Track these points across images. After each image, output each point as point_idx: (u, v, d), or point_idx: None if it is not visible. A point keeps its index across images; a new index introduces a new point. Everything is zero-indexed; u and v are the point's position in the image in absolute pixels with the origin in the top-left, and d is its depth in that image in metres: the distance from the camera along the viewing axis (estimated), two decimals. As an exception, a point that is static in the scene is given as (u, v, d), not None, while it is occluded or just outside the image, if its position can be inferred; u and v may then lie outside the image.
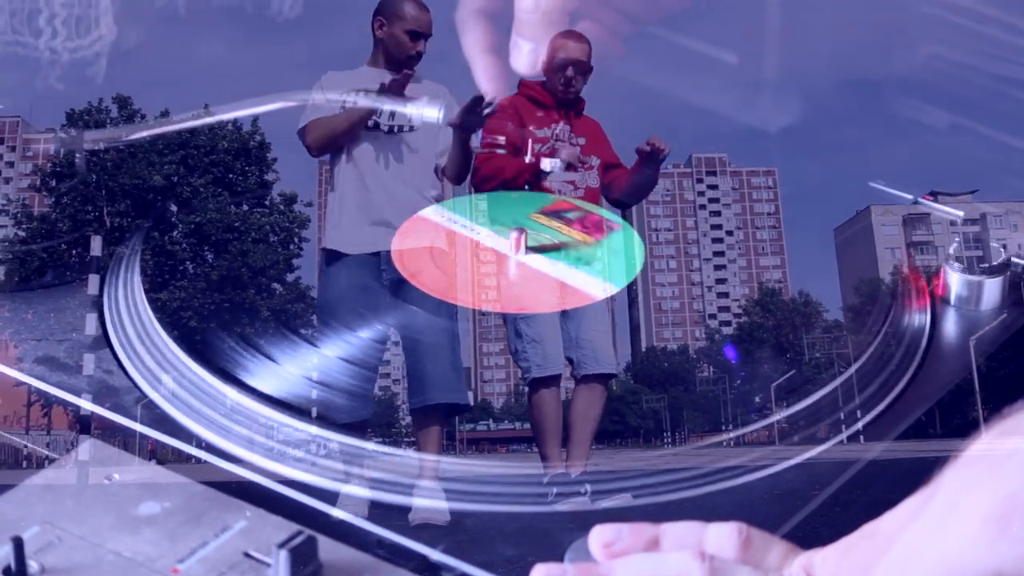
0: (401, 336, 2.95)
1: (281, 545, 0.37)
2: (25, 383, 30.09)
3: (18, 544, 0.36)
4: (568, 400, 3.35)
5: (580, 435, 3.18)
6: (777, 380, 51.85)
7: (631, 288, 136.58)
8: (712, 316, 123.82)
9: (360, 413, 2.84)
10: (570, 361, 3.25)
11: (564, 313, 3.21)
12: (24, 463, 27.19)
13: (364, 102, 2.85)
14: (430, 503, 2.61)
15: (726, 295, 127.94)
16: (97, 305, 6.60)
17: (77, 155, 28.60)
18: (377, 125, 2.93)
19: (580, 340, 3.20)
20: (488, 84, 0.61)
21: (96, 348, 6.14)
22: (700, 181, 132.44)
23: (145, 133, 29.62)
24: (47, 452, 27.03)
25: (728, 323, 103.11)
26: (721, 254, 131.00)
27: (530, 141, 3.15)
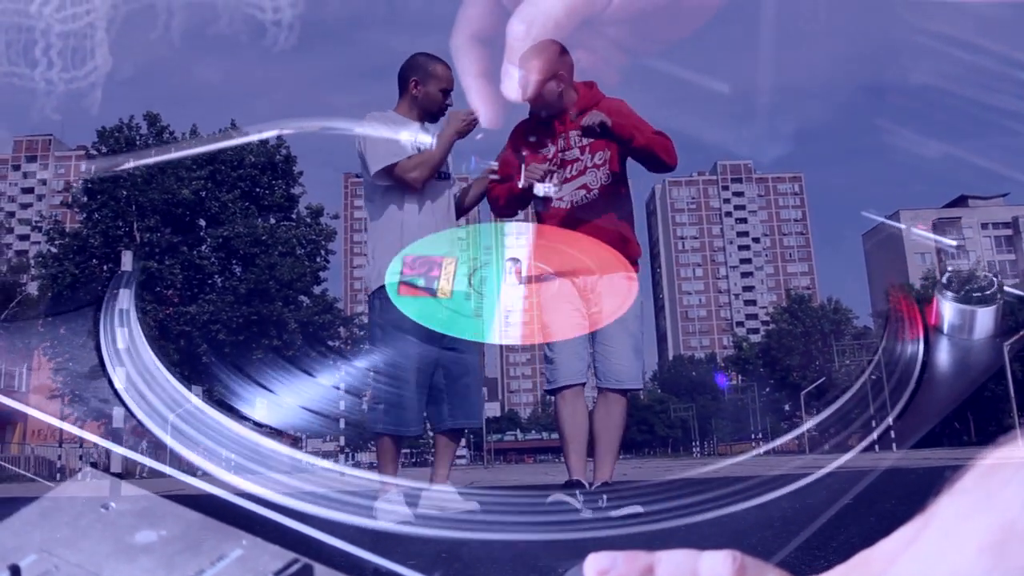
0: (446, 363, 3.27)
1: (277, 573, 0.36)
2: (58, 395, 30.54)
3: (15, 572, 0.36)
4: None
5: (601, 446, 3.20)
6: (806, 388, 51.30)
7: (658, 297, 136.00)
8: (739, 324, 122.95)
9: (420, 428, 3.25)
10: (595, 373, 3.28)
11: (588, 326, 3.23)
12: (58, 475, 27.53)
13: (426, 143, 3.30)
14: (456, 500, 3.12)
15: (753, 303, 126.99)
16: (126, 319, 6.69)
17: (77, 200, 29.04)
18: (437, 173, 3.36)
19: (597, 354, 3.23)
20: (485, 110, 0.61)
21: (125, 362, 6.21)
22: (725, 188, 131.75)
23: (171, 155, 30.03)
24: (80, 465, 27.36)
25: (756, 331, 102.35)
26: (748, 261, 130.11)
27: (522, 167, 3.24)
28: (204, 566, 0.38)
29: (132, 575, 0.38)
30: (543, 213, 3.27)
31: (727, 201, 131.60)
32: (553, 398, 3.28)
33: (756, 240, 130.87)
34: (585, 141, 3.24)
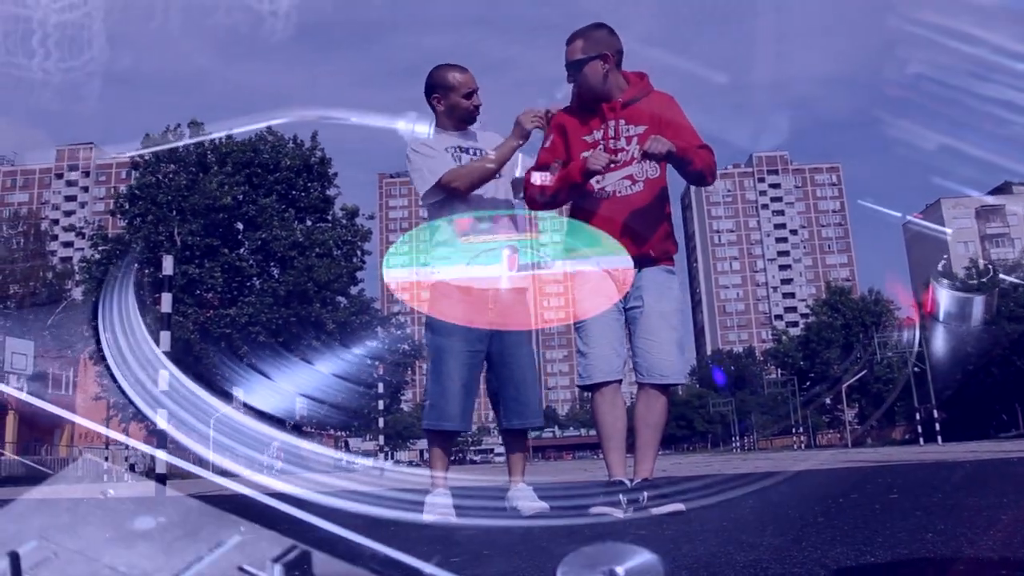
0: (499, 363, 3.29)
1: (275, 560, 0.36)
2: (104, 397, 31.12)
3: (14, 559, 0.36)
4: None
5: (642, 443, 3.16)
6: (848, 381, 50.52)
7: (695, 291, 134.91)
8: (778, 317, 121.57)
9: (463, 424, 3.26)
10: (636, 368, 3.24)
11: (627, 320, 3.20)
12: (104, 477, 28.03)
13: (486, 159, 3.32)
14: (532, 500, 3.16)
15: (792, 295, 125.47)
16: (167, 322, 6.80)
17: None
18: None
19: (636, 348, 3.17)
20: None
21: (168, 364, 6.31)
22: (762, 180, 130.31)
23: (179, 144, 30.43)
24: (126, 466, 27.87)
25: (795, 324, 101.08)
26: (786, 253, 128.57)
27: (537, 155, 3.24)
28: (202, 552, 0.38)
29: (131, 561, 0.37)
30: (584, 201, 3.20)
31: (763, 193, 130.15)
32: (589, 395, 3.25)
33: (794, 232, 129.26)
34: (632, 131, 3.16)
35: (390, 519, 3.01)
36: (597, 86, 3.17)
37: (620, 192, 3.14)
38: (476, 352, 3.22)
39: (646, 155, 3.05)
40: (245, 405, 22.42)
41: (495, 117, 3.57)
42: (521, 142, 3.27)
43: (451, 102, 3.38)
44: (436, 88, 3.40)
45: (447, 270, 3.26)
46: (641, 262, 3.14)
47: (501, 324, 3.24)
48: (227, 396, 22.72)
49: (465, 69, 3.41)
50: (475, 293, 3.23)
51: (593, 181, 3.15)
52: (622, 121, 3.18)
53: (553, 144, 3.27)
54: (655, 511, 2.85)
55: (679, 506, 2.87)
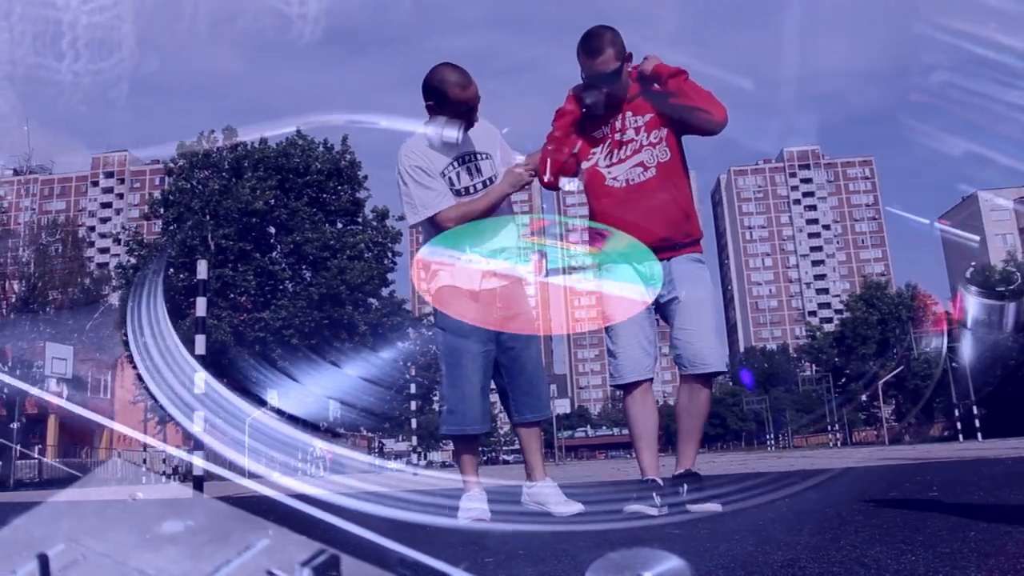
0: (509, 357, 3.26)
1: (304, 563, 0.36)
2: (141, 401, 31.57)
3: (43, 561, 0.36)
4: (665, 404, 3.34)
5: (683, 431, 3.14)
6: (884, 377, 49.83)
7: (726, 288, 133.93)
8: (812, 313, 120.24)
9: (484, 426, 3.23)
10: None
11: (663, 316, 3.18)
12: (143, 479, 28.47)
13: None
14: (565, 502, 3.11)
15: (826, 291, 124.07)
16: (203, 326, 6.88)
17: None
18: (485, 183, 3.31)
19: (675, 340, 3.14)
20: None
21: (204, 367, 6.39)
22: (793, 175, 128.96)
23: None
24: (164, 469, 28.27)
25: (829, 320, 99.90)
26: (819, 249, 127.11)
27: (549, 161, 3.21)
28: (230, 556, 0.38)
29: (158, 564, 0.38)
30: (596, 192, 3.20)
31: (795, 188, 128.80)
32: (620, 393, 3.23)
33: (827, 227, 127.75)
34: (640, 121, 3.16)
35: (423, 522, 3.02)
36: (625, 90, 3.17)
37: (633, 180, 3.14)
38: (488, 352, 3.19)
39: (642, 77, 3.11)
40: (279, 411, 22.64)
41: (517, 116, 3.52)
42: (512, 191, 3.25)
43: (446, 114, 3.20)
44: (431, 95, 3.20)
45: (455, 274, 3.22)
46: (665, 248, 3.11)
47: (509, 318, 3.22)
48: (261, 400, 22.97)
49: (468, 81, 3.17)
50: (482, 293, 3.21)
51: (605, 171, 3.16)
52: (628, 113, 3.18)
53: (559, 140, 3.23)
54: (691, 508, 2.82)
55: (716, 507, 2.84)
